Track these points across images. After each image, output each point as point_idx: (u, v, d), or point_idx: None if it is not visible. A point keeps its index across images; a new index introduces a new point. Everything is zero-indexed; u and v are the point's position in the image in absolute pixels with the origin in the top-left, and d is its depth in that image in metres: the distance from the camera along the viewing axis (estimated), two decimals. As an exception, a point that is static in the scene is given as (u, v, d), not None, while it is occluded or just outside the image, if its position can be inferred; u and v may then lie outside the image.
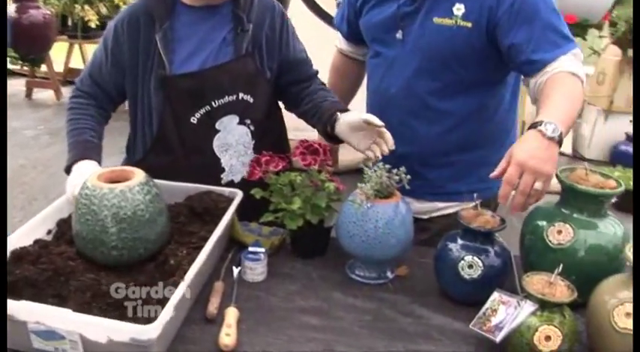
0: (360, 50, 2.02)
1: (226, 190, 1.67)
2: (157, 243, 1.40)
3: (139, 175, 1.39)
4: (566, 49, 1.56)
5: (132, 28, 1.70)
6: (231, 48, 1.73)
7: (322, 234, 1.64)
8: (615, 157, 5.57)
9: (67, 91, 6.88)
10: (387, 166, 1.48)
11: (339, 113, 1.69)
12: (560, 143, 1.36)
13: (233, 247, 1.64)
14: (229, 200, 1.62)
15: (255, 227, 1.72)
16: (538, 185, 1.31)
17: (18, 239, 1.39)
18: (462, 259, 1.42)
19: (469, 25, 1.62)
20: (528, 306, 1.25)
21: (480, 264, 1.41)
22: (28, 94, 7.02)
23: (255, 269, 1.51)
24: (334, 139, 1.74)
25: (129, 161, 1.84)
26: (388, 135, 1.59)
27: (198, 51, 1.71)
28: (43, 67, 6.87)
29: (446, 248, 1.47)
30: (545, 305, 1.24)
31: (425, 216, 1.88)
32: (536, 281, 1.29)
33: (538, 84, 1.57)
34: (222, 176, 1.78)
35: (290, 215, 1.54)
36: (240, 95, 1.74)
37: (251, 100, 1.77)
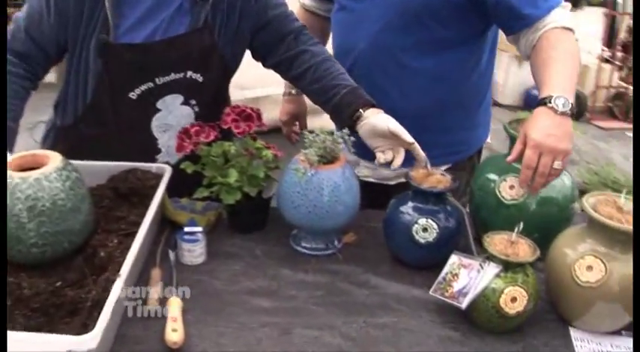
0: (324, 5, 1.88)
1: (153, 166, 1.51)
2: (82, 234, 1.25)
3: (54, 159, 1.22)
4: (554, 3, 1.48)
5: None
6: (187, 18, 1.53)
7: (262, 206, 1.53)
8: (528, 102, 5.72)
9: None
10: (331, 128, 1.38)
11: (362, 110, 1.50)
12: (572, 115, 1.31)
13: (166, 228, 1.50)
14: (157, 177, 1.48)
15: (186, 203, 1.58)
16: (557, 164, 1.27)
17: None
18: (416, 223, 1.35)
19: None
20: (492, 268, 1.19)
21: (435, 227, 1.34)
22: None
23: (194, 251, 1.38)
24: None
25: (55, 123, 1.64)
26: (419, 151, 1.44)
27: (148, 18, 1.49)
28: None
29: (397, 211, 1.39)
30: (508, 266, 1.19)
31: (392, 182, 1.80)
32: (497, 242, 1.23)
33: (530, 41, 1.50)
34: (157, 157, 1.62)
35: (226, 188, 1.42)
36: (189, 73, 1.55)
37: (200, 80, 1.58)
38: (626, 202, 1.24)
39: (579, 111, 6.27)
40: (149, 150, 1.60)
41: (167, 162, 1.61)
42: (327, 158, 1.38)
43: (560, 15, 1.47)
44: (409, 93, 1.67)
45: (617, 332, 1.25)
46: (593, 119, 6.53)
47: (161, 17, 1.50)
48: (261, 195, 1.48)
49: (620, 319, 1.23)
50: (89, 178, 1.41)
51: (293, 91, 1.99)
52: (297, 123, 2.04)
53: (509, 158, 1.32)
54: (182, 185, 1.51)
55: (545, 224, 1.36)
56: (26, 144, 1.51)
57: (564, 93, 1.31)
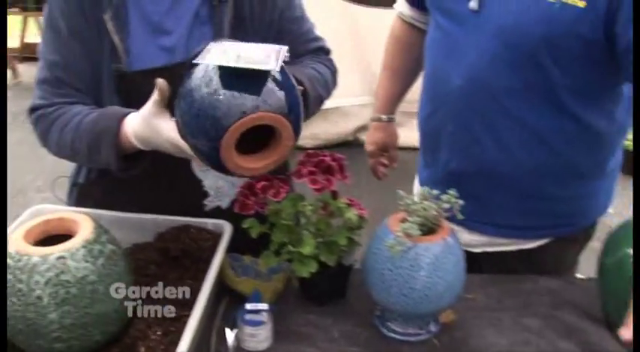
0: (424, 17, 1.52)
1: (209, 222, 1.25)
2: (119, 322, 0.99)
3: (84, 227, 0.97)
4: None
5: (73, 5, 1.19)
6: (208, 27, 1.26)
7: (341, 275, 1.24)
8: None
9: (24, 69, 6.34)
10: (434, 191, 1.08)
11: None
12: None
13: (224, 297, 1.24)
14: (215, 236, 1.22)
15: (248, 262, 1.30)
16: None
17: None
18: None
19: (581, 4, 1.13)
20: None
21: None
22: (-18, 74, 6.43)
23: (258, 336, 1.11)
24: None
25: (77, 181, 1.38)
26: None
27: (162, 33, 1.24)
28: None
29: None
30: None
31: (476, 250, 1.46)
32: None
33: None
34: (205, 202, 1.35)
35: (299, 258, 1.14)
36: None
37: None
38: None
39: None
40: (193, 196, 1.33)
41: (217, 207, 1.35)
42: (428, 226, 1.09)
43: None
44: (509, 145, 1.32)
45: None
46: None
47: (178, 32, 1.23)
48: (340, 261, 1.20)
49: None
50: (133, 233, 1.20)
51: (383, 117, 1.71)
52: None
53: (624, 336, 0.94)
54: (243, 242, 1.24)
55: None
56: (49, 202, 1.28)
57: None
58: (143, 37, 1.22)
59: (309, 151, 1.18)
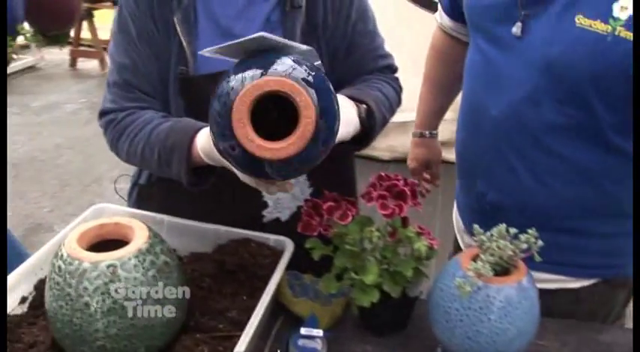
0: (465, 29, 1.42)
1: (271, 238, 1.21)
2: (164, 336, 0.95)
3: (139, 236, 0.93)
4: None
5: (143, 6, 1.18)
6: (279, 33, 1.21)
7: (404, 306, 1.17)
8: None
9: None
10: (513, 230, 0.99)
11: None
12: None
13: (279, 316, 1.18)
14: (275, 253, 1.17)
15: (309, 281, 1.25)
16: None
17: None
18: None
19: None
20: None
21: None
22: (73, 64, 6.68)
23: (310, 363, 1.05)
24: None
25: (137, 181, 1.37)
26: None
27: (231, 37, 1.18)
28: (87, 34, 6.51)
29: None
30: None
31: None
32: None
33: None
34: (263, 213, 1.30)
35: (361, 286, 1.08)
36: None
37: None
38: None
39: None
40: (253, 206, 1.29)
41: (276, 219, 1.31)
42: (502, 266, 1.00)
43: None
44: (547, 180, 1.21)
45: None
46: None
47: (246, 36, 1.20)
48: (405, 292, 1.13)
49: None
50: (193, 243, 1.18)
51: (426, 133, 1.66)
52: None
53: None
54: (303, 258, 1.18)
55: None
56: (111, 199, 1.27)
57: None
58: (211, 41, 1.18)
59: (381, 174, 1.12)
